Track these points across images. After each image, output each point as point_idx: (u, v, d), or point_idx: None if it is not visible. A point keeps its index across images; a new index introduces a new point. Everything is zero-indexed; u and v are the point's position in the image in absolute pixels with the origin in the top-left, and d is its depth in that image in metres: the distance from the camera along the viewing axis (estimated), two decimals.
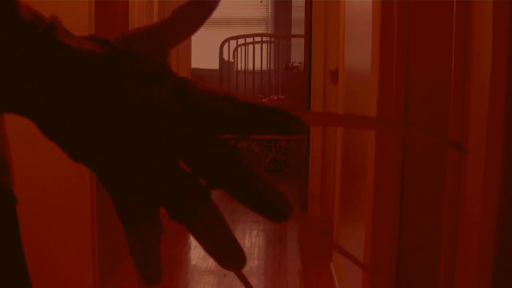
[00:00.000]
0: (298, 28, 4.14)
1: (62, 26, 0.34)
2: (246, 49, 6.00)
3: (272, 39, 6.18)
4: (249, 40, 5.98)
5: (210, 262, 2.91)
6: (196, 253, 3.09)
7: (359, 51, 1.93)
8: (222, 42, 6.01)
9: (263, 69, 6.14)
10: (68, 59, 0.33)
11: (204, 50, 5.96)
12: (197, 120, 0.34)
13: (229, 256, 0.36)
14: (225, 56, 5.98)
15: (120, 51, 0.34)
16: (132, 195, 0.35)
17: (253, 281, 2.69)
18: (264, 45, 6.18)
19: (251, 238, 3.37)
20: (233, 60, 6.09)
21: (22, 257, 0.63)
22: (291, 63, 4.53)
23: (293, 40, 4.58)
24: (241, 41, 5.97)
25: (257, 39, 6.05)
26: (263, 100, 5.81)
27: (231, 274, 2.98)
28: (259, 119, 0.35)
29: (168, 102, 0.33)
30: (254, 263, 2.92)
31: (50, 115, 0.33)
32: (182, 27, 0.37)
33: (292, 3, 4.60)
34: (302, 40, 3.86)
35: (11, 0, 0.32)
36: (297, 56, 4.23)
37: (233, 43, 5.98)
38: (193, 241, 3.33)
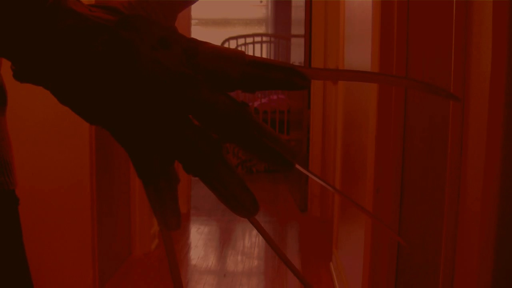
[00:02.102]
0: (298, 28, 4.14)
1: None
2: (246, 49, 6.00)
3: (272, 39, 6.18)
4: (249, 40, 5.98)
5: (210, 262, 2.91)
6: (196, 253, 3.09)
7: (359, 51, 1.93)
8: (222, 42, 6.01)
9: None
10: (80, 26, 0.34)
11: None
12: (207, 79, 0.36)
13: (241, 204, 0.38)
14: None
15: (129, 16, 0.35)
16: (148, 152, 0.37)
17: (253, 281, 2.69)
18: (264, 45, 6.18)
19: (251, 238, 3.37)
20: None
21: (24, 257, 0.63)
22: (291, 63, 4.52)
23: (293, 40, 4.58)
24: (241, 41, 5.97)
25: (257, 39, 6.05)
26: (263, 100, 5.82)
27: (231, 274, 3.00)
28: (265, 75, 0.37)
29: (179, 64, 0.35)
30: (254, 263, 2.92)
31: (64, 82, 0.35)
32: None
33: (292, 3, 4.60)
34: (302, 40, 3.86)
35: None
36: (297, 56, 4.23)
37: (233, 43, 5.98)
38: (193, 241, 3.33)
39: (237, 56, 0.37)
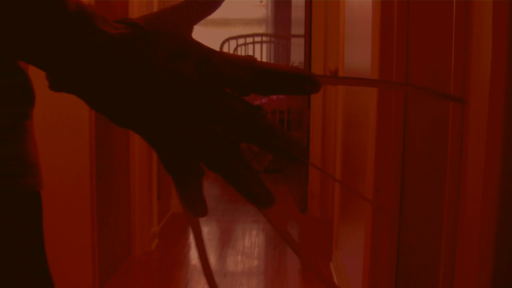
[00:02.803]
0: (298, 28, 4.14)
1: (100, 14, 0.40)
2: (246, 49, 6.00)
3: (272, 39, 6.18)
4: (249, 40, 5.98)
5: (210, 262, 2.91)
6: (196, 253, 3.09)
7: (359, 51, 1.93)
8: (222, 42, 6.01)
9: None
10: (107, 43, 0.38)
11: None
12: (221, 86, 0.40)
13: (258, 197, 0.42)
14: None
15: (148, 31, 0.39)
16: (174, 153, 0.41)
17: (253, 281, 2.69)
18: (264, 45, 6.18)
19: (251, 238, 3.37)
20: None
21: (46, 262, 0.63)
22: (291, 63, 4.53)
23: (293, 40, 4.59)
24: (241, 41, 5.97)
25: (257, 39, 6.05)
26: (262, 100, 5.82)
27: (231, 274, 3.00)
28: (276, 81, 0.40)
29: (193, 73, 0.39)
30: (254, 263, 2.92)
31: (95, 92, 0.40)
32: (203, 5, 0.43)
33: (292, 3, 4.60)
34: (302, 40, 3.86)
35: None
36: (297, 56, 4.23)
37: (233, 43, 5.98)
38: (193, 241, 3.33)
39: (248, 63, 0.40)
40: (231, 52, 6.36)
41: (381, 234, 1.53)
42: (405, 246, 1.43)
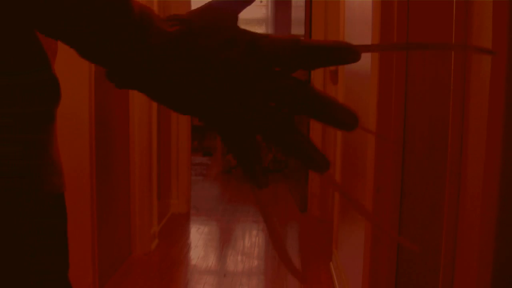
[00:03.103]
0: (298, 28, 4.14)
1: (155, 13, 0.44)
2: None
3: None
4: None
5: (210, 262, 2.91)
6: (196, 253, 3.09)
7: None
8: None
9: None
10: (168, 40, 0.43)
11: None
12: (270, 66, 0.44)
13: (315, 162, 0.45)
14: None
15: (200, 26, 0.43)
16: (235, 132, 0.45)
17: (253, 281, 2.69)
18: None
19: (251, 238, 3.37)
20: None
21: (68, 263, 0.63)
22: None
23: None
24: None
25: None
26: None
27: (231, 274, 2.99)
28: (320, 55, 0.43)
29: (245, 58, 0.43)
30: (254, 263, 2.92)
31: (159, 86, 0.44)
32: None
33: (292, 3, 4.60)
34: None
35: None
36: None
37: None
38: (193, 241, 3.33)
39: (292, 42, 0.43)
40: None
41: (381, 234, 1.53)
42: (405, 246, 1.43)
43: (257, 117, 0.44)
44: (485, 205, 0.81)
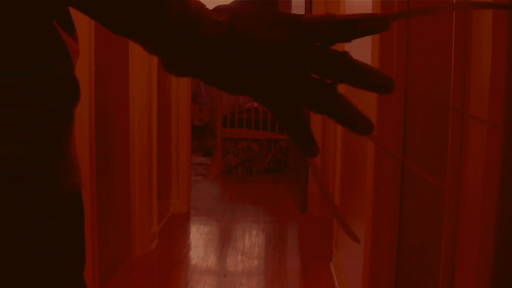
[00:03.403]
0: None
1: (206, 7, 0.49)
2: None
3: None
4: None
5: (210, 262, 2.91)
6: (196, 253, 3.09)
7: (359, 51, 1.93)
8: None
9: None
10: (222, 29, 0.48)
11: None
12: (311, 42, 0.48)
13: (358, 126, 0.49)
14: None
15: (245, 13, 0.49)
16: (284, 104, 0.49)
17: (253, 281, 2.69)
18: None
19: (251, 238, 3.37)
20: None
21: (84, 264, 0.65)
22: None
23: None
24: None
25: None
26: None
27: (231, 274, 2.99)
28: (353, 28, 0.48)
29: (286, 37, 0.48)
30: (254, 263, 2.92)
31: (213, 71, 0.49)
32: None
33: (292, 3, 4.60)
34: None
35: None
36: None
37: None
38: (193, 241, 3.33)
39: (329, 19, 0.48)
40: None
41: (381, 234, 1.53)
42: (405, 246, 1.43)
43: (303, 89, 0.49)
44: (485, 205, 0.81)
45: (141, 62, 2.85)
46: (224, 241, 3.34)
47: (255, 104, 5.59)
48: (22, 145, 0.52)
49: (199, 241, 3.33)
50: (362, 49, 1.82)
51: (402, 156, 1.02)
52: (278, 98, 0.50)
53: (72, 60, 0.56)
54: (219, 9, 0.50)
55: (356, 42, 0.55)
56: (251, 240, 3.33)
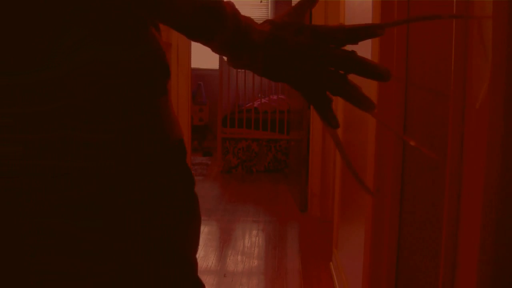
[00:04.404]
0: None
1: (254, 21, 0.70)
2: None
3: None
4: None
5: (210, 262, 2.91)
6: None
7: (359, 51, 1.93)
8: None
9: None
10: (268, 36, 0.68)
11: (204, 50, 5.95)
12: (327, 44, 0.67)
13: (364, 104, 0.68)
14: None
15: (280, 24, 0.69)
16: (312, 89, 0.68)
17: (253, 281, 2.69)
18: None
19: (251, 238, 3.37)
20: None
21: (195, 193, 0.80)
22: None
23: None
24: None
25: None
26: (263, 100, 5.81)
27: (231, 274, 2.99)
28: (358, 33, 0.67)
29: (309, 41, 0.67)
30: (254, 263, 2.92)
31: (263, 66, 0.69)
32: (308, 2, 0.73)
33: (292, 3, 4.60)
34: None
35: (222, 15, 0.66)
36: None
37: None
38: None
39: (340, 27, 0.67)
40: None
41: (381, 234, 1.53)
42: (405, 246, 1.43)
43: (323, 77, 0.67)
44: (485, 205, 0.81)
45: None
46: (224, 241, 3.34)
47: (255, 104, 5.59)
48: (139, 115, 0.68)
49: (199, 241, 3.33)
50: (361, 49, 1.82)
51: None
52: (306, 84, 0.68)
53: (163, 48, 0.73)
54: (266, 21, 0.69)
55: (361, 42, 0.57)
56: (251, 240, 3.34)
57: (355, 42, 0.67)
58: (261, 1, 6.86)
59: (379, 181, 1.52)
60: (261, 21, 0.70)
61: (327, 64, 0.66)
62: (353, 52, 0.67)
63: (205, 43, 0.68)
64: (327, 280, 2.64)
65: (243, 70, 5.97)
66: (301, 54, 0.66)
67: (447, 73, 1.01)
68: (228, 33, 0.66)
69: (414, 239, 1.33)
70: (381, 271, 1.54)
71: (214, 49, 0.69)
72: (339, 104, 2.77)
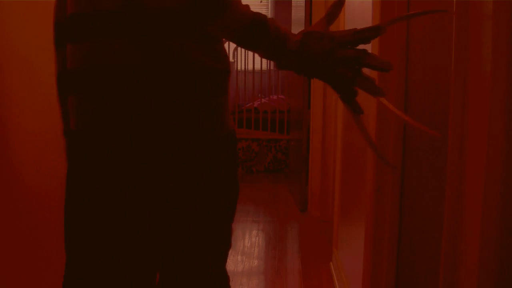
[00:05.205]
0: (298, 28, 4.13)
1: (289, 30, 0.91)
2: None
3: None
4: None
5: None
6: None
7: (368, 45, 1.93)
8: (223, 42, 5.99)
9: (263, 69, 6.13)
10: (295, 43, 0.88)
11: None
12: (343, 46, 0.86)
13: (376, 91, 0.87)
14: None
15: (307, 33, 0.88)
16: (338, 83, 0.88)
17: (253, 281, 2.69)
18: None
19: (251, 238, 3.37)
20: (233, 60, 6.09)
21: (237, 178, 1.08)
22: None
23: None
24: None
25: None
26: (263, 100, 5.81)
27: (231, 274, 2.97)
28: (364, 36, 0.86)
29: (329, 44, 0.86)
30: (254, 263, 2.92)
31: (299, 66, 0.89)
32: (332, 14, 0.91)
33: (292, 3, 4.60)
34: None
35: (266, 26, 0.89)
36: None
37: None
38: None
39: (351, 31, 0.86)
40: (231, 52, 6.40)
41: (381, 234, 1.53)
42: (405, 246, 1.43)
43: (345, 73, 0.86)
44: (486, 204, 0.81)
45: None
46: None
47: (255, 104, 5.59)
48: (200, 103, 0.95)
49: None
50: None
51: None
52: (332, 78, 0.87)
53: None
54: (300, 32, 0.88)
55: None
56: (251, 240, 3.34)
57: (365, 42, 0.85)
58: (261, 1, 6.86)
59: (379, 181, 1.52)
60: None
61: (345, 62, 0.85)
62: (364, 50, 0.85)
63: (253, 50, 0.89)
64: (327, 280, 2.64)
65: (243, 70, 6.00)
66: (324, 56, 0.85)
67: (447, 73, 1.01)
68: (270, 42, 0.87)
69: (414, 239, 1.33)
70: (381, 271, 1.54)
71: (260, 55, 0.90)
72: (339, 106, 2.77)
